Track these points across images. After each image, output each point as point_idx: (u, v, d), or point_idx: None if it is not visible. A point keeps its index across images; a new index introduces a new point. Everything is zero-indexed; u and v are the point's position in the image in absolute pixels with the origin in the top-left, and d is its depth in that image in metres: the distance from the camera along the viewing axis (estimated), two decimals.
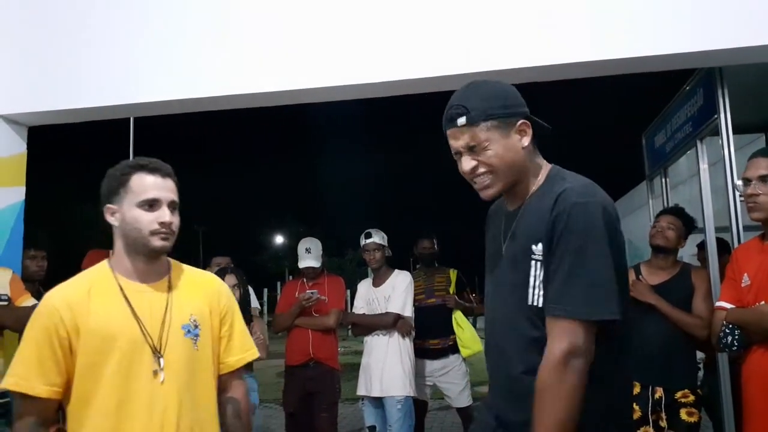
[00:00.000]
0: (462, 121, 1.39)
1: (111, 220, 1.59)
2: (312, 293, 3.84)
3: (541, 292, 1.35)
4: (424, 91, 2.87)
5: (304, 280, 4.04)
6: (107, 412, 1.48)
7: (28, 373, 1.47)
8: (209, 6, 2.91)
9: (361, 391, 3.77)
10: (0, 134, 3.00)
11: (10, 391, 1.48)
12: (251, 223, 34.79)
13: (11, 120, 3.05)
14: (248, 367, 3.39)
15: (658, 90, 4.86)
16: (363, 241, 3.91)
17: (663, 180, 4.42)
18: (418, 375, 3.90)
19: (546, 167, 1.48)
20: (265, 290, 24.64)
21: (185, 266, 1.73)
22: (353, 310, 3.91)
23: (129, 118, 4.17)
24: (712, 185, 3.35)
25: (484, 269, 1.59)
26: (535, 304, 1.36)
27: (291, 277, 27.00)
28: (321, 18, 2.80)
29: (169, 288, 1.62)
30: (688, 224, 3.05)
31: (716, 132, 3.04)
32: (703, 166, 3.44)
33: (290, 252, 32.96)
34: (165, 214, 1.56)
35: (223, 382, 1.70)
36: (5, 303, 2.64)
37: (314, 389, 3.80)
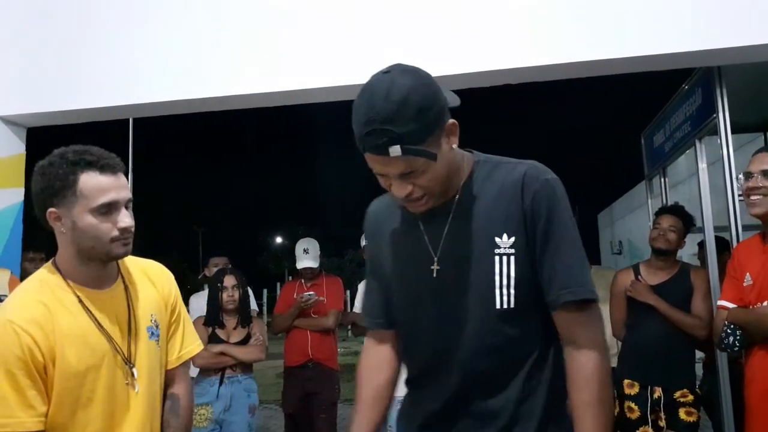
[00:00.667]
0: (396, 150, 1.10)
1: (56, 225, 1.38)
2: (310, 295, 3.85)
3: (512, 291, 1.18)
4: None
5: (302, 281, 4.06)
6: (93, 427, 1.37)
7: (12, 410, 1.27)
8: (209, 7, 2.91)
9: None
10: None
11: None
12: (251, 223, 34.81)
13: (10, 121, 3.05)
14: (248, 368, 3.40)
15: (657, 90, 4.87)
16: (363, 242, 3.91)
17: (662, 180, 4.42)
18: None
19: (466, 156, 1.30)
20: (265, 291, 24.63)
21: (132, 260, 1.56)
22: (353, 310, 3.92)
23: (128, 119, 4.16)
24: (711, 185, 3.36)
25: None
26: (505, 307, 1.19)
27: (291, 278, 27.00)
28: (320, 19, 2.80)
29: (126, 289, 1.48)
30: (687, 223, 3.05)
31: (715, 131, 3.04)
32: (702, 166, 3.44)
33: (290, 253, 32.88)
34: (125, 218, 1.37)
35: (168, 377, 1.57)
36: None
37: (313, 390, 3.82)
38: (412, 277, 1.30)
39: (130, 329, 1.45)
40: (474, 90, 2.80)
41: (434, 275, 1.25)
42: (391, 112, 1.09)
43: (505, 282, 1.19)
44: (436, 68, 2.63)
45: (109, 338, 1.41)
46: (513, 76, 2.71)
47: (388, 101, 1.10)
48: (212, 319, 3.39)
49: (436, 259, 1.26)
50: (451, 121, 1.19)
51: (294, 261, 4.23)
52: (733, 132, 2.96)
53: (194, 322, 3.51)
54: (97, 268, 1.43)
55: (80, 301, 1.39)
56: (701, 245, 3.76)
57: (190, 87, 2.86)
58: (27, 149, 3.16)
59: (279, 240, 35.85)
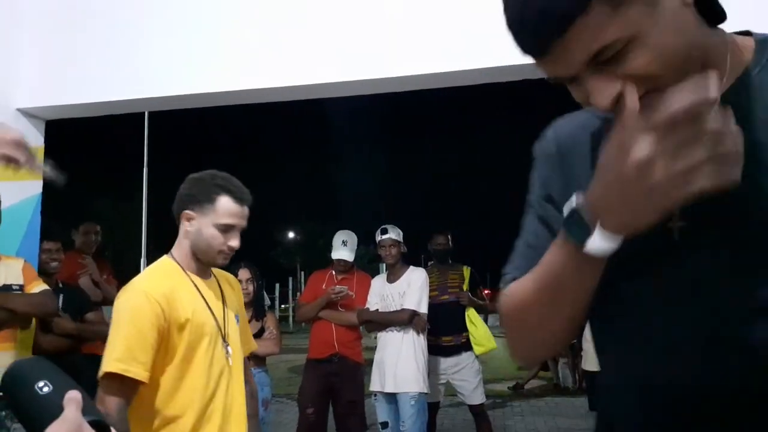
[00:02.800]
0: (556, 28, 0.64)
1: (185, 224, 1.74)
2: (342, 289, 3.82)
3: None
4: (437, 86, 2.86)
5: (334, 272, 4.00)
6: (197, 388, 1.66)
7: (133, 359, 1.56)
8: (227, 0, 2.92)
9: (374, 386, 3.78)
10: (18, 128, 3.04)
11: (112, 373, 1.54)
12: (263, 218, 34.99)
13: (29, 114, 3.09)
14: (261, 361, 3.42)
15: None
16: (379, 237, 3.91)
17: None
18: (432, 373, 3.89)
19: (735, 38, 0.78)
20: (277, 285, 24.75)
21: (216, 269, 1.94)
22: (367, 306, 3.91)
23: (144, 113, 4.20)
24: None
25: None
26: None
27: (303, 273, 27.11)
28: (336, 12, 2.79)
29: (218, 285, 1.84)
30: None
31: None
32: None
33: (302, 247, 33.08)
34: (235, 241, 1.73)
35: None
36: (18, 292, 2.65)
37: (337, 384, 3.78)
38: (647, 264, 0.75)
39: (224, 313, 1.79)
40: (491, 85, 2.79)
41: (674, 235, 0.73)
42: None
43: None
44: (453, 63, 2.63)
45: (214, 318, 1.74)
46: (524, 72, 2.69)
47: None
48: None
49: (678, 212, 0.71)
50: None
51: (306, 255, 4.25)
52: None
53: None
54: (203, 264, 1.78)
55: (195, 285, 1.74)
56: None
57: (206, 81, 2.87)
58: (45, 141, 3.20)
59: (291, 235, 36.00)
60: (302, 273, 25.88)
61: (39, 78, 3.03)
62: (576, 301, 0.74)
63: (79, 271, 3.86)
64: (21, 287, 2.66)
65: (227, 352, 1.75)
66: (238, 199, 1.72)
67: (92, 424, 0.75)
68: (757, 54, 0.76)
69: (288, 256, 33.43)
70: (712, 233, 0.71)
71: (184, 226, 1.74)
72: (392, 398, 3.69)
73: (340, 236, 4.00)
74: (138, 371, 1.57)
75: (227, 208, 1.70)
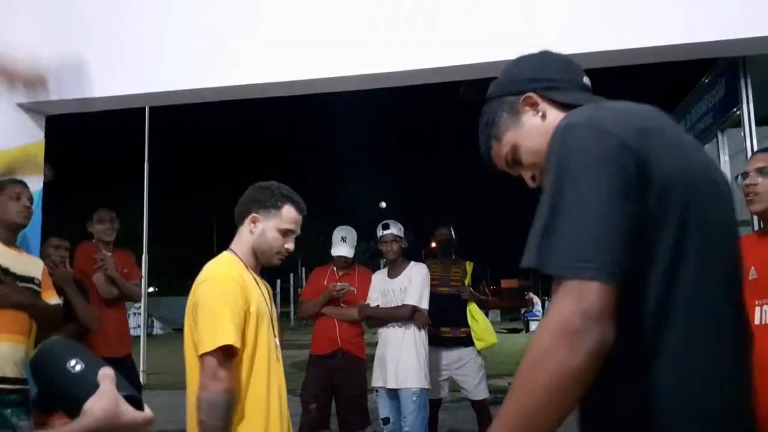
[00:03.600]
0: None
1: (250, 226, 1.96)
2: (344, 285, 3.81)
3: None
4: (439, 81, 2.85)
5: (335, 268, 3.99)
6: (263, 366, 1.87)
7: (236, 333, 1.78)
8: None
9: (376, 382, 3.77)
10: (18, 123, 3.03)
11: (223, 347, 1.75)
12: None
13: (29, 108, 3.08)
14: None
15: (678, 81, 4.78)
16: (380, 232, 3.89)
17: None
18: (434, 369, 3.88)
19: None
20: (278, 281, 24.73)
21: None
22: (367, 301, 3.90)
23: (144, 108, 4.18)
24: (732, 178, 3.30)
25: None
26: None
27: (304, 269, 27.11)
28: (338, 6, 2.78)
29: (264, 284, 2.03)
30: None
31: (738, 123, 2.98)
32: (724, 158, 3.38)
33: (303, 243, 32.99)
34: (291, 244, 1.98)
35: None
36: (38, 289, 2.66)
37: (340, 380, 3.77)
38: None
39: (270, 305, 1.99)
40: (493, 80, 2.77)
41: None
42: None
43: None
44: (461, 57, 2.62)
45: (268, 306, 1.95)
46: None
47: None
48: None
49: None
50: (527, 94, 1.12)
51: (307, 251, 4.23)
52: (757, 124, 2.90)
53: None
54: (258, 262, 2.00)
55: (254, 279, 1.95)
56: None
57: (206, 76, 2.86)
58: (46, 136, 3.19)
59: None
60: (303, 269, 25.88)
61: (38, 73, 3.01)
62: None
63: (94, 266, 3.59)
64: (39, 285, 2.68)
65: (276, 345, 1.95)
66: (299, 208, 1.98)
67: (126, 399, 0.77)
68: None
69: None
70: None
71: (248, 227, 1.96)
72: (394, 394, 3.69)
73: (339, 232, 3.99)
74: (238, 341, 1.78)
75: (290, 215, 1.95)
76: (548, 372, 0.84)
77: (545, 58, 1.23)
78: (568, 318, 0.83)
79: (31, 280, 2.64)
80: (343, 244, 3.93)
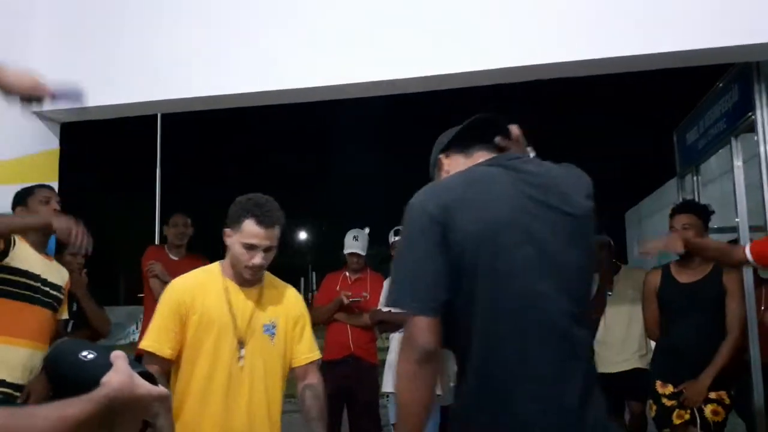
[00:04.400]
0: None
1: (226, 240, 1.99)
2: (356, 299, 3.80)
3: None
4: (449, 87, 2.85)
5: (347, 273, 4.00)
6: (201, 377, 1.91)
7: (160, 340, 1.92)
8: (237, 3, 2.93)
9: (387, 387, 3.76)
10: (33, 131, 3.07)
11: (145, 351, 1.93)
12: None
13: (44, 117, 3.12)
14: None
15: (690, 86, 4.76)
16: (392, 239, 3.89)
17: (694, 178, 4.32)
18: (445, 375, 3.86)
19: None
20: None
21: (275, 278, 2.14)
22: (379, 306, 3.89)
23: (156, 115, 4.22)
24: (746, 183, 3.27)
25: None
26: None
27: (314, 273, 27.15)
28: (344, 16, 2.79)
29: (260, 295, 2.02)
30: (703, 216, 2.95)
31: (752, 129, 2.96)
32: (738, 164, 3.35)
33: (313, 248, 33.14)
34: (258, 258, 1.93)
35: (301, 373, 2.08)
36: (63, 298, 2.64)
37: (352, 386, 3.76)
38: None
39: (251, 320, 1.97)
40: (504, 86, 2.77)
41: None
42: None
43: None
44: (465, 64, 2.62)
45: (233, 319, 1.94)
46: (545, 72, 2.67)
47: None
48: None
49: None
50: (438, 157, 1.56)
51: (317, 256, 4.24)
52: None
53: None
54: (239, 274, 1.99)
55: (225, 288, 1.98)
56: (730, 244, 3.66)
57: (216, 84, 2.89)
58: (61, 144, 3.23)
59: (302, 236, 36.11)
60: (313, 273, 25.92)
61: (54, 81, 3.05)
62: None
63: (145, 272, 3.70)
64: (63, 294, 2.66)
65: (240, 353, 1.93)
66: (261, 221, 1.91)
67: (140, 374, 0.82)
68: None
69: (299, 256, 33.52)
70: None
71: (226, 242, 2.00)
72: None
73: (351, 233, 4.03)
74: (164, 350, 1.91)
75: (250, 229, 1.91)
76: (399, 381, 1.33)
77: (450, 131, 1.57)
78: (405, 343, 1.32)
79: (58, 288, 2.61)
80: (355, 243, 3.96)
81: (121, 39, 3.02)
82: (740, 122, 3.19)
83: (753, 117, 2.92)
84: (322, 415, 2.03)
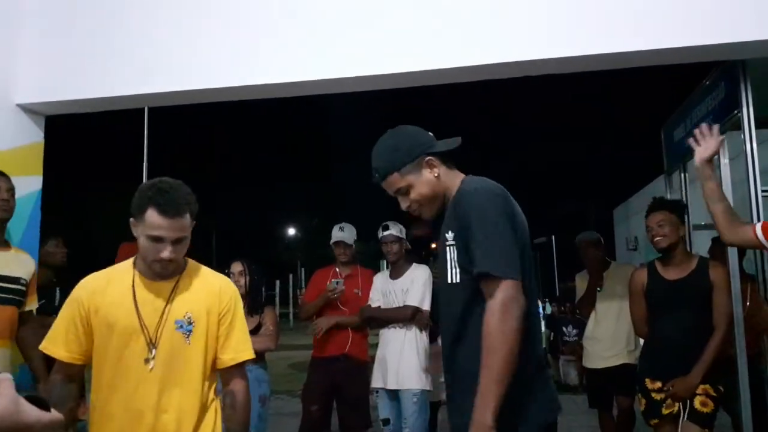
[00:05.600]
0: (377, 179, 1.77)
1: (133, 231, 1.79)
2: (337, 282, 3.79)
3: (457, 271, 1.67)
4: (441, 83, 2.85)
5: (337, 269, 3.98)
6: (105, 385, 1.76)
7: (56, 341, 1.79)
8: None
9: (376, 383, 3.76)
10: (18, 124, 3.03)
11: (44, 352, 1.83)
12: (263, 214, 34.98)
13: (29, 109, 3.08)
14: (259, 357, 3.40)
15: (678, 83, 4.79)
16: (381, 234, 3.89)
17: (682, 175, 4.35)
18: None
19: (460, 178, 1.75)
20: (277, 282, 24.71)
21: (202, 268, 1.91)
22: (369, 303, 3.89)
23: (143, 108, 4.18)
24: (732, 180, 3.29)
25: None
26: (454, 281, 1.68)
27: (303, 270, 27.09)
28: (336, 9, 2.78)
29: (175, 287, 1.81)
30: (677, 211, 2.98)
31: (738, 126, 2.98)
32: (724, 161, 3.37)
33: (302, 244, 33.06)
34: (166, 251, 1.72)
35: (224, 377, 1.88)
36: (23, 289, 2.63)
37: (342, 382, 3.76)
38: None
39: (162, 316, 1.77)
40: (493, 82, 2.77)
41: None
42: (374, 154, 1.78)
43: (452, 265, 1.69)
44: (456, 59, 2.62)
45: (140, 317, 1.75)
46: (532, 68, 2.68)
47: (376, 148, 1.79)
48: None
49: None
50: (428, 158, 1.73)
51: (307, 252, 4.22)
52: (757, 127, 2.90)
53: None
54: (150, 267, 1.79)
55: (132, 283, 1.79)
56: (715, 241, 3.70)
57: (205, 77, 2.87)
58: (45, 137, 3.18)
59: (292, 232, 36.00)
60: (303, 270, 25.87)
61: (39, 74, 3.02)
62: None
63: None
64: (27, 285, 2.64)
65: (150, 354, 1.73)
66: (164, 212, 1.68)
67: (29, 399, 0.76)
68: (459, 187, 1.73)
69: (289, 252, 33.44)
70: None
71: (134, 233, 1.78)
72: (394, 395, 3.68)
73: (337, 225, 4.03)
74: (59, 352, 1.78)
75: (152, 220, 1.70)
76: (505, 335, 1.53)
77: (422, 133, 1.80)
78: (506, 304, 1.55)
79: (16, 280, 2.57)
80: (340, 233, 3.95)
81: (108, 31, 2.99)
82: (726, 120, 3.21)
83: (739, 114, 2.95)
84: (239, 426, 1.84)
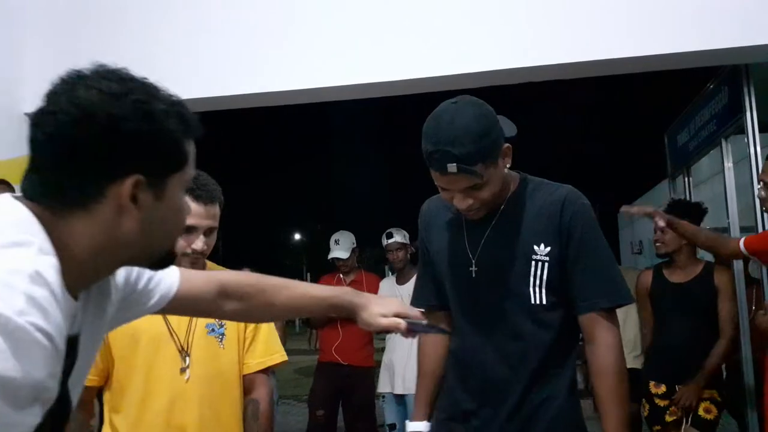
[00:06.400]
0: (453, 168, 1.31)
1: None
2: None
3: (543, 291, 1.42)
4: (445, 89, 2.86)
5: (341, 275, 3.99)
6: (134, 403, 1.53)
7: None
8: (233, 4, 2.93)
9: (383, 388, 3.77)
10: (25, 132, 3.05)
11: None
12: (268, 220, 35.04)
13: None
14: None
15: (681, 88, 4.79)
16: (385, 241, 3.90)
17: (686, 179, 4.35)
18: None
19: (512, 174, 1.50)
20: None
21: (220, 267, 1.76)
22: None
23: None
24: (736, 184, 3.30)
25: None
26: (538, 302, 1.43)
27: (309, 274, 27.08)
28: (344, 17, 2.80)
29: None
30: (690, 215, 2.94)
31: (742, 130, 2.99)
32: (728, 165, 3.38)
33: (307, 249, 33.08)
34: (199, 242, 1.56)
35: (246, 383, 1.69)
36: None
37: (348, 388, 3.77)
38: (455, 275, 1.53)
39: (190, 321, 1.59)
40: (496, 88, 2.79)
41: (473, 275, 1.48)
42: (452, 137, 1.30)
43: (537, 282, 1.42)
44: (461, 66, 2.64)
45: (167, 323, 1.56)
46: (536, 74, 2.69)
47: (452, 127, 1.31)
48: None
49: (474, 261, 1.48)
50: (507, 145, 1.40)
51: (311, 257, 4.23)
52: (760, 131, 2.91)
53: None
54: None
55: None
56: None
57: (212, 85, 2.88)
58: None
59: (297, 236, 36.04)
60: (308, 274, 25.87)
61: (46, 83, 3.04)
62: None
63: None
64: None
65: (185, 364, 1.56)
66: (197, 197, 1.53)
67: None
68: (521, 185, 1.51)
69: (293, 257, 33.45)
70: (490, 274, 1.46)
71: None
72: (401, 399, 3.69)
73: (333, 237, 4.03)
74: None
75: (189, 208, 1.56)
76: (625, 375, 1.43)
77: (501, 119, 1.46)
78: (617, 333, 1.45)
79: None
80: (336, 247, 3.94)
81: (113, 40, 3.01)
82: (730, 124, 3.22)
83: (743, 119, 2.95)
84: None
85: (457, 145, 1.29)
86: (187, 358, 1.56)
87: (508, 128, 1.42)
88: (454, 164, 1.29)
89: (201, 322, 1.61)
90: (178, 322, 1.58)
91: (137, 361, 1.54)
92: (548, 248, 1.41)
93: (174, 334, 1.57)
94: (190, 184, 1.38)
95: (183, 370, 1.55)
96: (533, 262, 1.41)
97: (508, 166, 1.42)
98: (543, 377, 1.43)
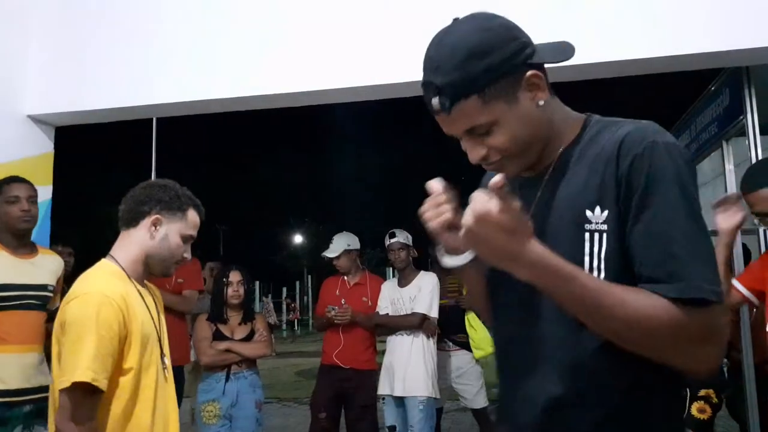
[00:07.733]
0: (435, 104, 0.97)
1: (150, 229, 1.68)
2: (332, 309, 3.77)
3: (603, 271, 0.95)
4: None
5: (345, 278, 3.98)
6: (149, 396, 1.60)
7: (100, 368, 1.47)
8: (229, 7, 2.94)
9: (383, 390, 3.77)
10: (28, 134, 3.07)
11: (80, 383, 1.44)
12: (270, 222, 35.05)
13: (39, 120, 3.12)
14: (252, 363, 3.41)
15: (682, 90, 4.80)
16: (387, 242, 3.90)
17: None
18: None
19: (577, 117, 1.08)
20: (284, 289, 24.72)
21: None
22: (377, 310, 3.89)
23: (152, 119, 4.22)
24: (737, 186, 3.29)
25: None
26: None
27: (310, 277, 27.08)
28: (339, 20, 2.81)
29: (150, 292, 1.77)
30: None
31: (743, 133, 2.99)
32: (729, 167, 3.38)
33: (308, 251, 33.09)
34: (188, 252, 1.75)
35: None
36: (50, 295, 2.59)
37: (350, 390, 3.77)
38: None
39: (160, 325, 1.73)
40: None
41: None
42: (437, 61, 0.96)
43: (595, 264, 0.96)
44: None
45: (154, 323, 1.68)
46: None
47: (438, 49, 0.97)
48: (216, 315, 3.42)
49: None
50: (531, 72, 0.97)
51: (312, 259, 4.23)
52: (761, 134, 2.91)
53: (198, 318, 3.54)
54: (145, 272, 1.72)
55: (139, 293, 1.67)
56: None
57: (212, 87, 2.89)
58: (55, 148, 3.22)
59: (298, 239, 36.05)
60: (309, 277, 25.87)
61: (48, 85, 3.06)
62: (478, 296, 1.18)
63: None
64: (53, 290, 2.61)
65: (163, 364, 1.67)
66: (200, 212, 1.77)
67: None
68: (582, 131, 1.06)
69: (294, 259, 33.46)
70: None
71: (147, 230, 1.67)
72: (400, 402, 3.69)
73: (330, 242, 4.04)
74: (105, 383, 1.48)
75: (195, 220, 1.75)
76: (658, 318, 0.87)
77: (510, 24, 1.04)
78: (711, 335, 0.89)
79: (42, 287, 2.55)
80: (329, 247, 3.95)
81: (117, 43, 3.02)
82: (731, 126, 3.22)
83: (744, 121, 2.96)
84: None
85: (440, 72, 0.95)
86: (165, 359, 1.71)
87: (554, 52, 1.04)
88: (436, 98, 0.96)
89: (162, 324, 1.75)
90: (157, 324, 1.71)
91: (147, 362, 1.63)
92: (605, 212, 0.96)
93: (159, 338, 1.70)
94: (195, 201, 1.73)
95: (165, 367, 1.70)
96: (587, 234, 0.97)
97: (541, 102, 0.99)
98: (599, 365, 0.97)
